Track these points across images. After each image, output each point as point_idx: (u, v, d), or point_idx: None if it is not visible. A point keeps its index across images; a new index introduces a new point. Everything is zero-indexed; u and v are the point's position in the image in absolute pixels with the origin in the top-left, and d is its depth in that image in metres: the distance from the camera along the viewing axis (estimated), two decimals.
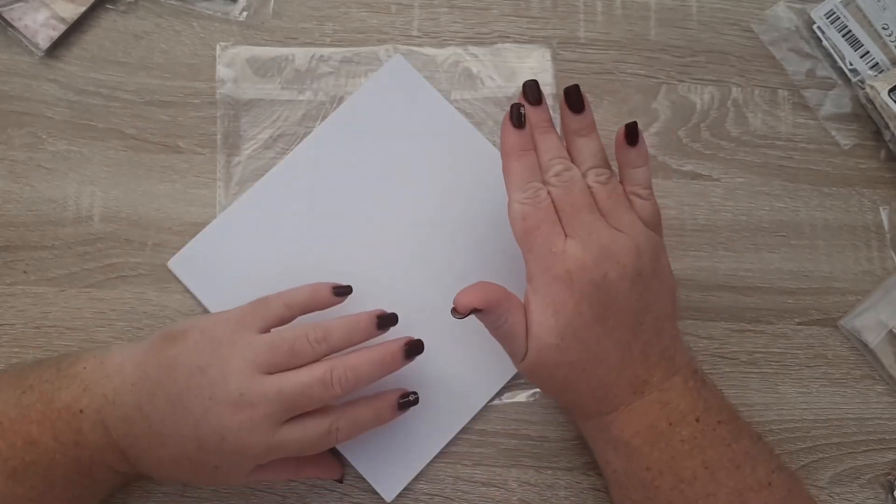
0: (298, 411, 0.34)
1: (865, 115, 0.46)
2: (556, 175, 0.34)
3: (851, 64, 0.46)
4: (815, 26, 0.46)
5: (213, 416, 0.33)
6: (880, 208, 0.45)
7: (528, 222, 0.33)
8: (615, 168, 0.36)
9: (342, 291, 0.38)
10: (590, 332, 0.33)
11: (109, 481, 0.36)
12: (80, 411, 0.33)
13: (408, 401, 0.38)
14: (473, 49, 0.46)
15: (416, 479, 0.41)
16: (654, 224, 0.35)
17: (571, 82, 0.45)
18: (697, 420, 0.34)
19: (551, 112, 0.45)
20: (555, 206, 0.34)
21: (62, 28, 0.44)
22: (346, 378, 0.34)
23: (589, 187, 0.34)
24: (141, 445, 0.34)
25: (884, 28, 0.46)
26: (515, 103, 0.35)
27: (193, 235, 0.43)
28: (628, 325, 0.33)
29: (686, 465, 0.33)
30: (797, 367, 0.43)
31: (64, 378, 0.34)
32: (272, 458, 0.34)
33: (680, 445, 0.33)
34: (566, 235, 0.33)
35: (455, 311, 0.34)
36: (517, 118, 0.35)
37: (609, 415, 0.34)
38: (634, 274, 0.33)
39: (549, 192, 0.34)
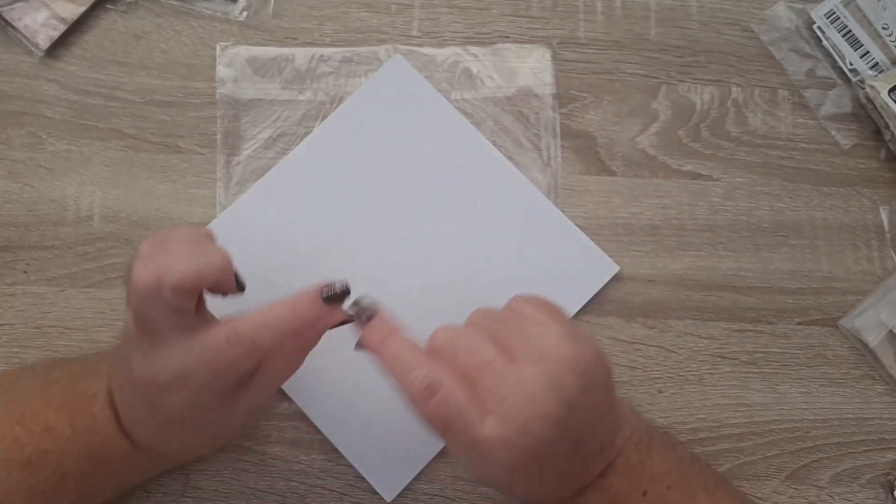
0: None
1: (865, 115, 0.46)
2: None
3: (851, 64, 0.46)
4: (815, 26, 0.46)
5: (131, 364, 0.32)
6: (880, 208, 0.45)
7: (436, 424, 0.29)
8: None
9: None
10: (525, 483, 0.30)
11: (122, 473, 0.36)
12: (94, 395, 0.34)
13: (333, 293, 0.31)
14: (473, 49, 0.46)
15: (416, 479, 0.41)
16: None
17: (571, 82, 0.46)
18: (644, 495, 0.32)
19: (551, 111, 0.46)
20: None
21: (62, 28, 0.44)
22: (251, 333, 0.30)
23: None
24: (130, 418, 0.34)
25: (884, 28, 0.46)
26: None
27: None
28: (567, 456, 0.30)
29: None
30: (797, 367, 0.43)
31: (88, 370, 0.35)
32: (192, 381, 0.31)
33: None
34: (479, 405, 0.29)
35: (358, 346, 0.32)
36: (364, 314, 0.32)
37: None
38: (565, 413, 0.28)
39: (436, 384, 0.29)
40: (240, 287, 0.33)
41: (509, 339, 0.30)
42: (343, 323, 0.34)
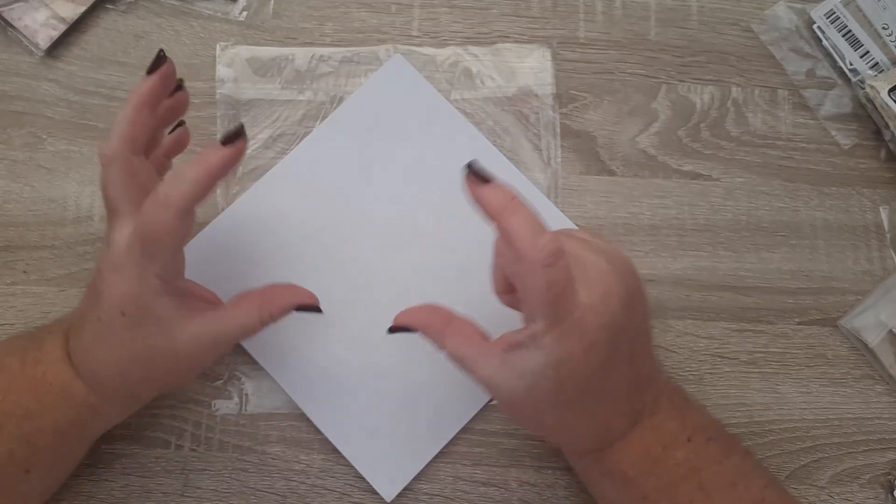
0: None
1: (865, 115, 0.46)
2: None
3: (851, 64, 0.46)
4: (815, 26, 0.46)
5: (96, 271, 0.33)
6: (880, 208, 0.45)
7: (553, 291, 0.28)
8: None
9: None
10: (594, 377, 0.30)
11: (60, 410, 0.34)
12: (51, 332, 0.35)
13: (230, 131, 0.31)
14: (473, 49, 0.46)
15: (416, 479, 0.41)
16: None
17: (571, 82, 0.46)
18: (689, 440, 0.33)
19: (551, 111, 0.46)
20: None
21: (62, 28, 0.44)
22: (167, 189, 0.30)
23: None
24: (76, 340, 0.34)
25: (884, 28, 0.46)
26: (470, 164, 0.30)
27: (193, 236, 0.43)
28: (627, 358, 0.31)
29: (682, 490, 0.32)
30: (797, 367, 0.43)
31: (53, 322, 0.37)
32: (133, 262, 0.31)
33: (675, 470, 0.33)
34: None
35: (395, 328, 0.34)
36: (481, 173, 0.30)
37: (605, 450, 0.33)
38: (627, 298, 0.30)
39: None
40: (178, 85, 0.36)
41: (575, 245, 0.31)
42: (309, 308, 0.35)
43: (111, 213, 0.33)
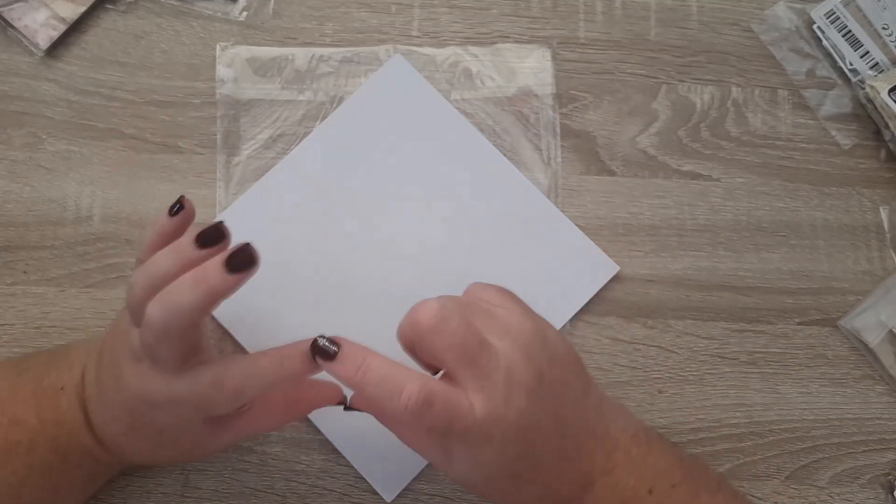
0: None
1: (865, 115, 0.46)
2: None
3: (851, 64, 0.46)
4: (815, 26, 0.46)
5: (123, 372, 0.31)
6: (880, 208, 0.45)
7: (437, 432, 0.29)
8: None
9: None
10: (520, 465, 0.30)
11: (86, 469, 0.35)
12: (62, 388, 0.34)
13: (322, 347, 0.30)
14: (473, 49, 0.46)
15: (416, 479, 0.41)
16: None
17: (571, 82, 0.46)
18: (650, 492, 0.32)
19: (551, 111, 0.46)
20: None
21: (62, 28, 0.44)
22: (236, 384, 0.30)
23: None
24: (102, 416, 0.34)
25: (884, 28, 0.46)
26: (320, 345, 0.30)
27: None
28: (554, 432, 0.31)
29: None
30: (797, 367, 0.43)
31: (57, 362, 0.36)
32: (181, 409, 0.31)
33: None
34: (465, 393, 0.29)
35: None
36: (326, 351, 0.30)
37: None
38: (536, 380, 0.29)
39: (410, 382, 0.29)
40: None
41: (476, 319, 0.30)
42: (340, 404, 0.35)
43: (151, 358, 0.30)
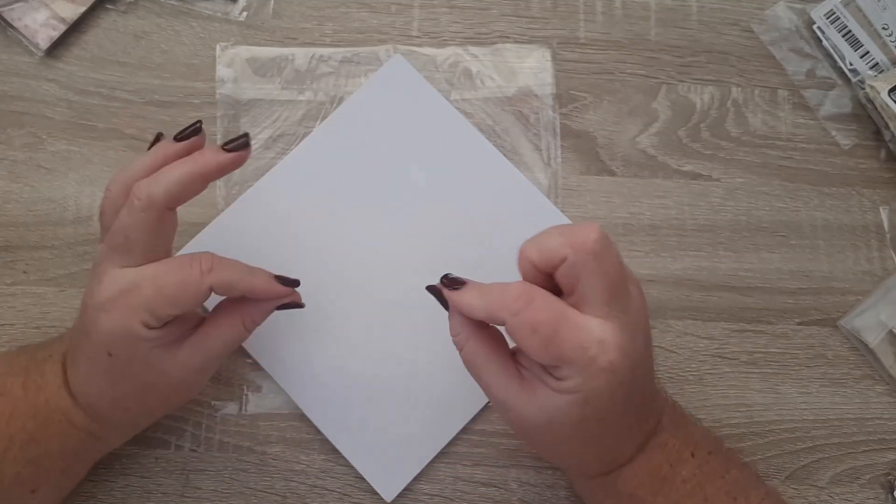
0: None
1: (865, 115, 0.46)
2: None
3: (851, 64, 0.46)
4: (815, 26, 0.46)
5: (84, 298, 0.32)
6: (880, 208, 0.45)
7: (542, 332, 0.28)
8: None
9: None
10: (616, 413, 0.30)
11: (65, 439, 0.34)
12: (51, 356, 0.35)
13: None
14: (473, 49, 0.46)
15: (416, 479, 0.41)
16: None
17: (571, 82, 0.46)
18: (693, 455, 0.33)
19: (551, 111, 0.46)
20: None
21: (62, 28, 0.44)
22: (213, 261, 0.31)
23: None
24: (71, 371, 0.34)
25: (884, 28, 0.46)
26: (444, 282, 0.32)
27: (193, 236, 0.43)
28: (643, 391, 0.31)
29: None
30: (797, 367, 0.43)
31: (51, 340, 0.37)
32: (132, 304, 0.31)
33: (682, 486, 0.33)
34: (589, 318, 0.29)
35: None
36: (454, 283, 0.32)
37: (612, 473, 0.33)
38: (647, 334, 0.31)
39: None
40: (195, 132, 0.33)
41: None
42: (292, 305, 0.35)
43: (118, 249, 0.31)
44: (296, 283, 0.34)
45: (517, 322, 0.28)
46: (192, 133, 0.33)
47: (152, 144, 0.34)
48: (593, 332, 0.28)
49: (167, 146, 0.33)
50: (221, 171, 0.32)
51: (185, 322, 0.34)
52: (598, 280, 0.28)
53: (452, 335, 0.32)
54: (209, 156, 0.32)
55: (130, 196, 0.31)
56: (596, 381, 0.28)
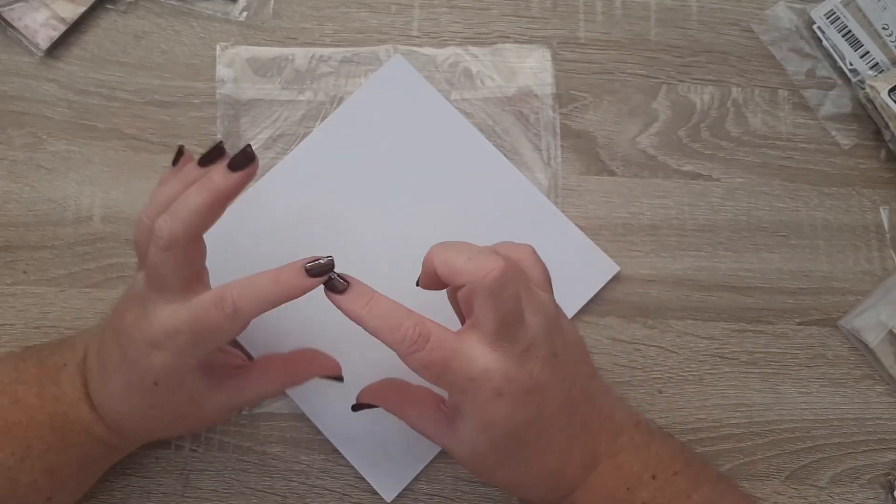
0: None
1: (865, 115, 0.46)
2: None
3: (851, 64, 0.46)
4: (815, 26, 0.46)
5: (124, 324, 0.32)
6: (880, 208, 0.45)
7: (433, 370, 0.30)
8: None
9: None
10: (527, 433, 0.31)
11: (83, 449, 0.35)
12: (64, 365, 0.35)
13: (319, 264, 0.31)
14: (473, 49, 0.46)
15: (416, 479, 0.41)
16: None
17: (571, 82, 0.46)
18: (654, 478, 0.33)
19: (551, 111, 0.46)
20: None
21: (62, 28, 0.44)
22: (234, 297, 0.30)
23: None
24: (99, 386, 0.34)
25: (884, 28, 0.46)
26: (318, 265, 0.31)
27: None
28: (563, 407, 0.32)
29: None
30: (797, 367, 0.43)
31: (62, 345, 0.36)
32: (179, 341, 0.31)
33: None
34: (477, 347, 0.30)
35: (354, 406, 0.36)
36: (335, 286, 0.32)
37: (567, 498, 0.33)
38: (551, 357, 0.31)
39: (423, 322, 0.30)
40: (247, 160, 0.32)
41: (521, 291, 0.31)
42: (333, 377, 0.37)
43: (156, 286, 0.31)
44: (329, 266, 0.31)
45: (411, 360, 0.30)
46: (216, 156, 0.32)
47: (175, 159, 0.34)
48: (478, 362, 0.30)
49: (190, 172, 0.32)
50: (234, 191, 0.32)
51: (231, 365, 0.36)
52: (488, 314, 0.30)
53: (392, 413, 0.35)
54: (218, 180, 0.31)
55: (154, 235, 0.30)
56: (486, 409, 0.30)
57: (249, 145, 0.32)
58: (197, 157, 0.33)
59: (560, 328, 0.32)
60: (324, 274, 0.31)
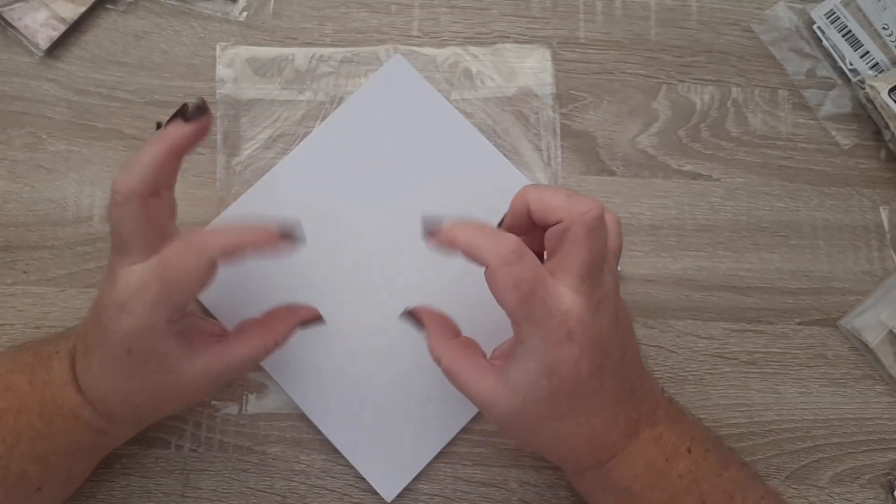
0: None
1: (865, 115, 0.46)
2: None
3: (851, 64, 0.46)
4: (815, 26, 0.46)
5: (99, 297, 0.32)
6: (880, 208, 0.45)
7: (522, 289, 0.29)
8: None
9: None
10: (586, 387, 0.31)
11: (72, 437, 0.34)
12: (56, 352, 0.35)
13: (288, 230, 0.32)
14: (473, 49, 0.46)
15: (416, 479, 0.41)
16: None
17: (571, 82, 0.46)
18: (689, 451, 0.33)
19: (551, 111, 0.46)
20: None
21: (62, 28, 0.44)
22: (204, 236, 0.31)
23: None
24: (83, 367, 0.33)
25: (884, 28, 0.46)
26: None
27: None
28: (618, 369, 0.32)
29: (685, 502, 0.33)
30: (797, 367, 0.43)
31: (56, 335, 0.36)
32: (149, 296, 0.30)
33: (678, 481, 0.33)
34: (563, 287, 0.30)
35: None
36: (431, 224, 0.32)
37: (607, 464, 0.33)
38: (616, 316, 0.31)
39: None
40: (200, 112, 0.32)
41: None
42: (311, 321, 0.36)
43: (118, 248, 0.31)
44: (299, 236, 0.32)
45: (503, 272, 0.29)
46: (176, 116, 0.32)
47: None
48: (563, 300, 0.30)
49: (179, 128, 0.31)
50: (190, 143, 0.31)
51: (208, 333, 0.35)
52: (580, 253, 0.30)
53: (430, 350, 0.33)
54: (172, 130, 0.31)
55: (110, 193, 0.31)
56: (556, 349, 0.30)
57: (203, 99, 0.32)
58: (197, 155, 0.33)
59: (619, 294, 0.33)
60: (291, 237, 0.32)
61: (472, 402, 0.32)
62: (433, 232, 0.31)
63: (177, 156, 0.32)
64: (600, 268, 0.30)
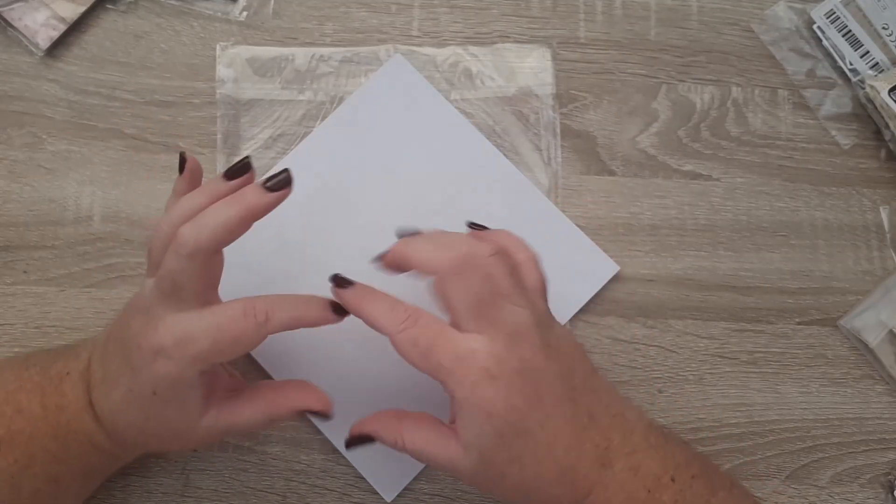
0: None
1: (865, 115, 0.46)
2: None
3: (851, 64, 0.46)
4: (815, 26, 0.46)
5: (130, 331, 0.32)
6: (880, 208, 0.45)
7: (421, 345, 0.30)
8: None
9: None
10: (529, 420, 0.30)
11: (86, 459, 0.35)
12: (67, 373, 0.34)
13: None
14: (473, 49, 0.46)
15: (416, 479, 0.41)
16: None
17: (571, 82, 0.46)
18: (673, 480, 0.32)
19: (551, 111, 0.46)
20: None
21: (62, 28, 0.44)
22: (267, 308, 0.31)
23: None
24: (102, 395, 0.33)
25: (884, 28, 0.46)
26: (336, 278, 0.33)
27: None
28: (565, 395, 0.31)
29: None
30: (797, 367, 0.43)
31: (65, 353, 0.36)
32: (189, 355, 0.30)
33: None
34: (464, 333, 0.31)
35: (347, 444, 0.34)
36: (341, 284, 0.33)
37: (585, 501, 0.32)
38: (544, 346, 0.31)
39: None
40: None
41: (504, 281, 0.32)
42: (321, 416, 0.35)
43: (169, 294, 0.31)
44: (344, 312, 0.33)
45: (401, 338, 0.31)
46: (241, 170, 0.32)
47: (181, 167, 0.34)
48: (467, 343, 0.30)
49: (217, 185, 0.32)
50: (266, 211, 0.31)
51: (227, 389, 0.35)
52: (458, 296, 0.31)
53: (391, 445, 0.33)
54: (252, 197, 0.31)
55: (175, 242, 0.30)
56: (482, 391, 0.30)
57: (288, 169, 0.32)
58: (197, 159, 0.33)
59: (551, 324, 0.33)
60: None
61: (444, 471, 0.33)
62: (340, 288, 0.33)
63: (251, 221, 0.31)
64: (493, 303, 0.30)
